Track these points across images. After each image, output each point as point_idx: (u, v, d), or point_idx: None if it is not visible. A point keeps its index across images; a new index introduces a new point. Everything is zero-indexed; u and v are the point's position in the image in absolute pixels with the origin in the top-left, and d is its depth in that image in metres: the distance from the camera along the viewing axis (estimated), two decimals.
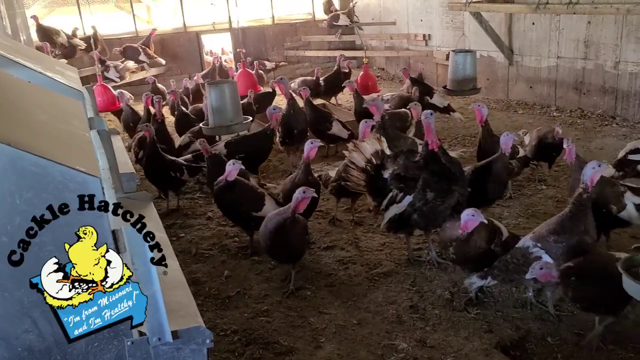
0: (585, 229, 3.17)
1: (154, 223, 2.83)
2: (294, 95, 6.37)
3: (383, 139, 4.13)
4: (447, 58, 8.16)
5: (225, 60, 10.56)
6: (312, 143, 4.32)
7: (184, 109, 7.04)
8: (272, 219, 3.71)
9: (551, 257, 3.15)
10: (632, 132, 6.80)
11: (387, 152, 4.03)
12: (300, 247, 3.82)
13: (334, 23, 11.31)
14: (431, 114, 4.03)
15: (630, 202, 3.68)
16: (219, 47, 12.04)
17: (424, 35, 10.41)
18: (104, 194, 1.48)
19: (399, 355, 3.11)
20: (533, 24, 8.20)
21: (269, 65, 11.34)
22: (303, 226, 3.81)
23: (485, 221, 3.34)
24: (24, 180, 1.34)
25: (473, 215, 3.31)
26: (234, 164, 4.16)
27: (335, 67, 9.07)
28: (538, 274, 3.02)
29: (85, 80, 8.89)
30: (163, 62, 10.49)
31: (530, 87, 8.55)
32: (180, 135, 6.54)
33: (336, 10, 11.26)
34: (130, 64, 9.99)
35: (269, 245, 3.75)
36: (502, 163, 4.22)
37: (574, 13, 6.84)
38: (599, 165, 3.17)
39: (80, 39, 10.08)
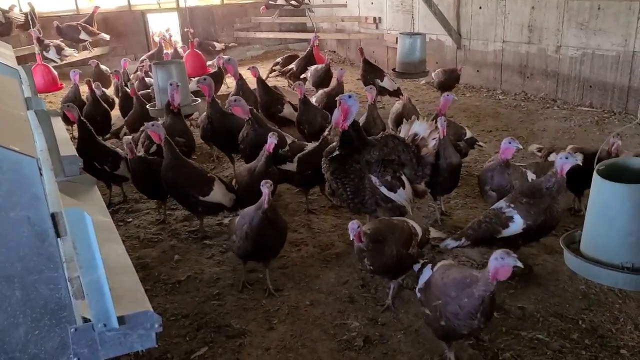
0: (553, 196, 3.34)
1: (98, 207, 2.73)
2: (242, 76, 6.28)
3: None
4: (397, 41, 8.24)
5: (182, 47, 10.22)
6: (271, 137, 4.13)
7: (127, 89, 6.78)
8: (252, 219, 3.43)
9: (522, 217, 3.31)
10: (572, 114, 7.08)
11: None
12: (282, 243, 3.67)
13: (271, 2, 11.21)
14: (349, 97, 3.79)
15: (530, 179, 3.91)
16: (165, 27, 11.67)
17: (374, 18, 10.46)
18: (41, 175, 1.40)
19: (352, 333, 3.15)
20: (480, 8, 8.37)
21: (219, 46, 11.13)
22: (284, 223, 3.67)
23: (363, 235, 3.09)
24: None
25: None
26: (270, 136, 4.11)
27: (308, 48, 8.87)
28: None
29: (22, 60, 8.46)
30: (107, 37, 10.08)
31: (477, 70, 8.75)
32: (124, 117, 6.33)
33: None
34: (69, 51, 9.54)
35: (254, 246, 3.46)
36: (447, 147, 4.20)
37: None
38: (567, 158, 3.31)
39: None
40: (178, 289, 3.69)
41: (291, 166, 4.54)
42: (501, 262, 2.42)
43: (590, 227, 2.75)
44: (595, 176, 2.70)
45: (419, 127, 4.16)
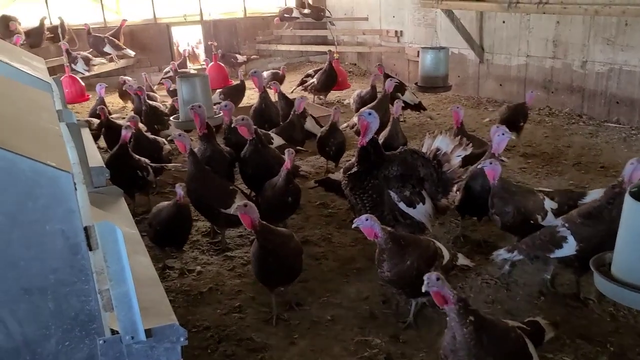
0: (613, 218, 3.14)
1: (125, 218, 2.77)
2: (266, 88, 6.34)
3: None
4: (419, 54, 8.23)
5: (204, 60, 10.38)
6: (289, 151, 4.13)
7: (151, 102, 6.87)
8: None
9: (575, 239, 3.22)
10: (598, 130, 6.98)
11: None
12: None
13: (285, 15, 11.33)
14: (369, 113, 3.81)
15: (549, 208, 3.73)
16: (189, 40, 11.83)
17: (396, 32, 10.47)
18: (75, 189, 1.43)
19: (373, 350, 3.13)
20: (504, 22, 8.33)
21: (241, 58, 11.25)
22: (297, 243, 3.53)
23: (379, 230, 3.05)
24: None
25: (367, 220, 3.01)
26: None
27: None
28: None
29: (52, 71, 8.66)
30: (132, 53, 10.28)
31: (500, 84, 8.69)
32: (149, 130, 6.42)
33: (309, 5, 11.23)
34: (97, 60, 9.73)
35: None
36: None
37: (544, 12, 6.98)
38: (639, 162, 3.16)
39: (48, 29, 9.79)
40: (200, 300, 3.71)
41: None
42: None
43: (622, 249, 2.69)
44: (628, 198, 2.64)
45: (441, 142, 4.13)
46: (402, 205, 3.74)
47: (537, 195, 3.76)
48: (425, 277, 2.47)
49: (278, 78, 9.28)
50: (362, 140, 3.77)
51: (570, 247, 3.24)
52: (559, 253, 3.27)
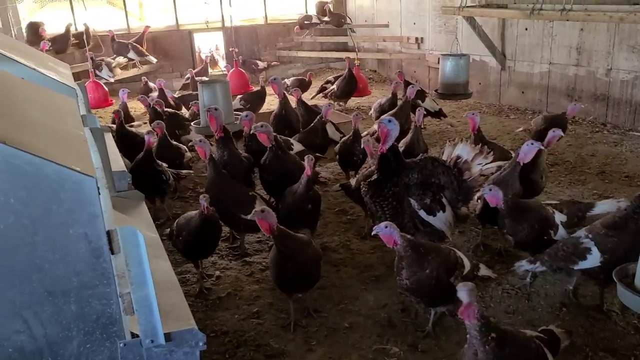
0: (639, 229, 3.13)
1: (146, 223, 2.81)
2: (286, 95, 6.36)
3: None
4: (439, 61, 8.20)
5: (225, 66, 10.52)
6: (307, 158, 4.07)
7: (170, 110, 6.93)
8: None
9: (599, 250, 3.16)
10: (623, 139, 6.86)
11: None
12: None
13: (306, 22, 11.38)
14: (389, 120, 3.78)
15: (559, 222, 3.68)
16: (211, 46, 11.95)
17: (416, 38, 10.44)
18: (99, 194, 1.45)
19: (391, 359, 3.10)
20: (526, 29, 8.25)
21: (261, 64, 11.33)
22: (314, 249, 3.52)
23: (399, 238, 3.03)
24: (18, 179, 1.32)
25: (386, 228, 3.03)
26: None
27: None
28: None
29: (76, 77, 8.82)
30: (154, 60, 10.42)
31: (522, 92, 8.60)
32: (171, 136, 6.48)
33: (330, 12, 11.27)
34: (120, 58, 9.90)
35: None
36: (517, 173, 4.04)
37: (567, 20, 6.89)
38: None
39: (73, 35, 9.99)
40: (218, 305, 3.73)
41: None
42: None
43: None
44: None
45: (462, 150, 4.09)
46: (422, 213, 3.71)
47: (547, 210, 3.70)
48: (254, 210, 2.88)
49: (304, 84, 9.28)
50: (382, 147, 3.75)
51: (594, 259, 3.17)
52: (582, 265, 3.21)
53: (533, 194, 4.36)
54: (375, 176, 3.77)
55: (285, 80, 9.32)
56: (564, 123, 5.52)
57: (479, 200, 4.07)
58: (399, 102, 6.82)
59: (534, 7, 6.95)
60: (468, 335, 2.41)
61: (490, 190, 3.64)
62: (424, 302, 3.27)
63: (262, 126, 4.48)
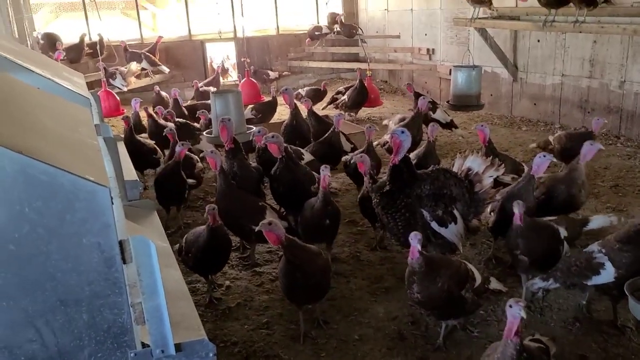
0: None
1: (158, 232, 2.82)
2: (297, 105, 6.38)
3: None
4: (450, 73, 8.19)
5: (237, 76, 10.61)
6: (324, 170, 4.03)
7: (181, 120, 6.96)
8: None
9: (614, 265, 3.12)
10: (637, 152, 6.79)
11: None
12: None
13: (317, 33, 11.45)
14: (402, 132, 3.76)
15: (563, 237, 3.65)
16: (223, 56, 12.05)
17: (427, 50, 10.46)
18: (112, 204, 1.46)
19: None
20: (538, 41, 8.23)
21: (273, 75, 11.40)
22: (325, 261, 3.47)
23: (418, 252, 3.01)
24: (34, 189, 1.33)
25: (413, 239, 2.99)
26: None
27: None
28: None
29: (89, 86, 8.92)
30: (167, 70, 10.52)
31: (535, 104, 8.56)
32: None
33: (342, 22, 11.33)
34: (134, 65, 9.98)
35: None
36: (532, 186, 3.98)
37: (580, 32, 6.87)
38: None
39: (87, 45, 10.12)
40: (228, 315, 3.72)
41: None
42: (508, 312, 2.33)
43: None
44: None
45: (472, 162, 4.08)
46: (434, 225, 3.70)
47: (554, 226, 3.66)
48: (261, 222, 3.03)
49: (319, 94, 9.29)
50: (395, 158, 3.74)
51: (608, 274, 3.12)
52: (596, 280, 3.17)
53: (573, 208, 4.28)
54: (387, 187, 3.76)
55: (300, 90, 9.34)
56: (589, 140, 4.88)
57: (491, 213, 4.05)
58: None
59: (546, 19, 6.94)
60: (501, 351, 2.38)
61: (545, 156, 3.72)
62: (435, 315, 3.24)
63: (273, 136, 4.47)
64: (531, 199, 3.95)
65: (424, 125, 6.42)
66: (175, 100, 7.96)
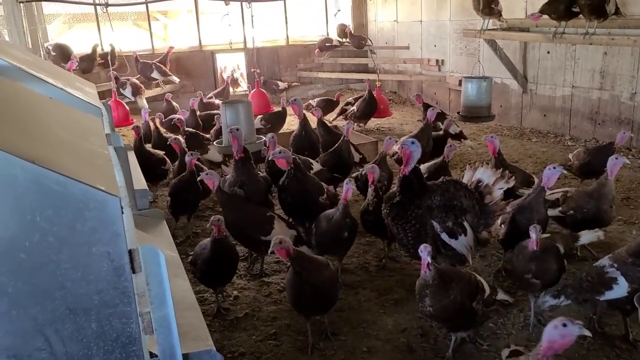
0: None
1: (167, 242, 2.82)
2: (306, 116, 6.40)
3: None
4: (460, 83, 8.18)
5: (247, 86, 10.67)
6: (347, 183, 3.99)
7: (190, 130, 6.99)
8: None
9: (627, 280, 3.07)
10: None
11: None
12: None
13: (327, 45, 11.51)
14: (412, 142, 3.75)
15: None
16: (233, 66, 12.12)
17: (437, 61, 10.47)
18: (122, 213, 1.46)
19: None
20: (548, 52, 8.22)
21: (282, 85, 11.45)
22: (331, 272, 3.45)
23: (428, 259, 2.98)
24: (45, 198, 1.33)
25: (423, 251, 2.98)
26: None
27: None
28: None
29: (101, 95, 9.01)
30: (177, 80, 10.59)
31: (544, 115, 8.53)
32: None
33: (351, 34, 11.38)
34: (142, 102, 9.96)
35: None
36: (542, 198, 3.94)
37: (591, 44, 6.85)
38: None
39: (99, 55, 10.23)
40: (235, 325, 3.71)
41: None
42: (560, 332, 2.15)
43: None
44: None
45: (482, 174, 4.06)
46: (444, 236, 3.67)
47: (557, 245, 3.60)
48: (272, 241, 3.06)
49: (332, 105, 9.30)
50: (405, 169, 3.72)
51: (621, 289, 3.08)
52: (609, 295, 3.12)
53: (603, 224, 4.20)
54: (397, 198, 3.75)
55: (310, 100, 9.35)
56: (610, 154, 4.54)
57: (502, 225, 4.02)
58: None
59: (556, 30, 6.93)
60: None
61: (554, 168, 3.72)
62: (447, 327, 3.22)
63: (280, 152, 4.42)
64: (542, 211, 3.92)
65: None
66: (193, 111, 7.96)
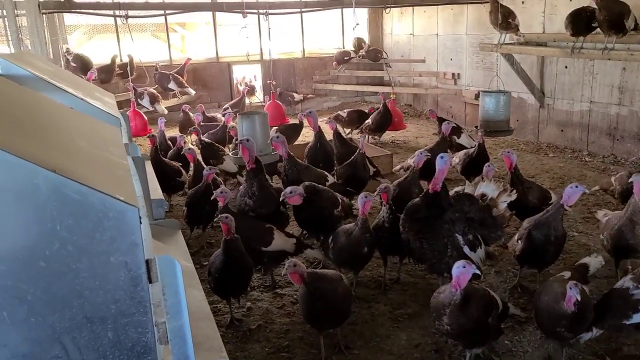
0: None
1: (182, 252, 2.83)
2: (321, 128, 6.41)
3: None
4: (476, 97, 8.14)
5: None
6: (365, 197, 3.92)
7: (206, 140, 7.01)
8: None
9: None
10: None
11: None
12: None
13: (345, 58, 11.55)
14: (441, 157, 3.75)
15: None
16: (249, 75, 12.20)
17: (453, 74, 10.46)
18: (140, 223, 1.48)
19: None
20: (566, 67, 8.16)
21: (297, 97, 11.51)
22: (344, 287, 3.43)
23: (478, 272, 2.97)
24: (66, 207, 1.35)
25: (464, 267, 2.90)
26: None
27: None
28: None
29: (119, 105, 9.12)
30: (193, 92, 10.68)
31: (562, 130, 8.46)
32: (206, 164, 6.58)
33: (370, 47, 11.43)
34: (161, 108, 10.06)
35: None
36: (560, 215, 3.88)
37: (609, 59, 6.79)
38: None
39: (118, 65, 10.38)
40: (249, 337, 3.70)
41: None
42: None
43: None
44: None
45: (486, 188, 4.09)
46: (466, 249, 3.66)
47: (583, 287, 3.28)
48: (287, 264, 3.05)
49: (364, 116, 8.99)
50: (436, 186, 3.68)
51: None
52: (637, 318, 3.03)
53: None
54: (423, 213, 3.71)
55: (340, 112, 9.31)
56: None
57: (519, 241, 3.98)
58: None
59: (574, 45, 6.88)
60: None
61: (577, 187, 3.73)
62: (462, 345, 3.18)
63: (291, 192, 4.33)
64: (560, 228, 3.88)
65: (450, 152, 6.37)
66: (224, 126, 7.94)
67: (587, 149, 8.05)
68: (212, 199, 4.32)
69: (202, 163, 6.02)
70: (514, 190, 4.02)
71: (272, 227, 4.24)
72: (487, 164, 4.80)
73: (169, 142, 7.17)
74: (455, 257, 3.58)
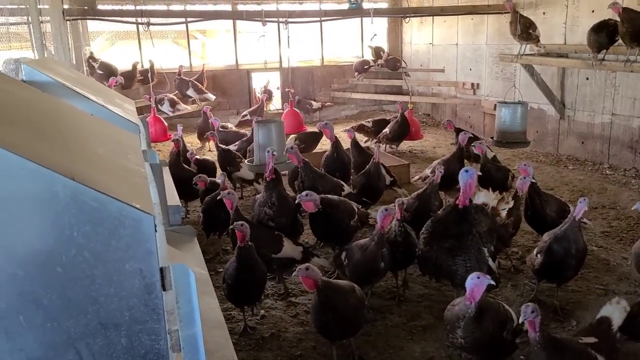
0: None
1: (197, 259, 2.85)
2: (338, 138, 6.40)
3: None
4: (495, 108, 8.07)
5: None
6: (385, 210, 3.83)
7: (222, 147, 7.02)
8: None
9: None
10: None
11: None
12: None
13: (366, 67, 11.57)
14: (466, 171, 3.66)
15: None
16: (268, 81, 12.26)
17: (472, 84, 10.40)
18: (156, 231, 1.49)
19: None
20: (587, 79, 8.06)
21: (315, 105, 11.54)
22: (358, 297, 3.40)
23: (493, 282, 2.94)
24: (83, 214, 1.37)
25: (478, 278, 2.85)
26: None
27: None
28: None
29: (139, 111, 9.23)
30: (212, 98, 10.77)
31: (582, 142, 8.34)
32: (222, 171, 6.61)
33: (389, 56, 11.43)
34: (183, 106, 10.18)
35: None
36: (578, 228, 3.83)
37: (632, 71, 6.69)
38: None
39: (140, 72, 10.52)
40: (261, 345, 3.70)
41: None
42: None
43: None
44: None
45: (485, 198, 4.08)
46: (490, 261, 3.63)
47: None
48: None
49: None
50: (464, 200, 3.62)
51: None
52: None
53: None
54: (452, 230, 3.67)
55: (364, 122, 9.29)
56: None
57: (538, 255, 3.93)
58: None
59: (596, 57, 6.80)
60: None
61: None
62: (476, 358, 3.14)
63: (306, 195, 4.33)
64: (580, 241, 3.82)
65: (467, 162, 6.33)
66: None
67: (608, 162, 7.92)
68: (218, 198, 4.37)
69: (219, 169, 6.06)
70: (510, 197, 4.10)
71: (282, 235, 4.29)
72: (521, 177, 4.56)
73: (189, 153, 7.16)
74: (484, 271, 3.54)
